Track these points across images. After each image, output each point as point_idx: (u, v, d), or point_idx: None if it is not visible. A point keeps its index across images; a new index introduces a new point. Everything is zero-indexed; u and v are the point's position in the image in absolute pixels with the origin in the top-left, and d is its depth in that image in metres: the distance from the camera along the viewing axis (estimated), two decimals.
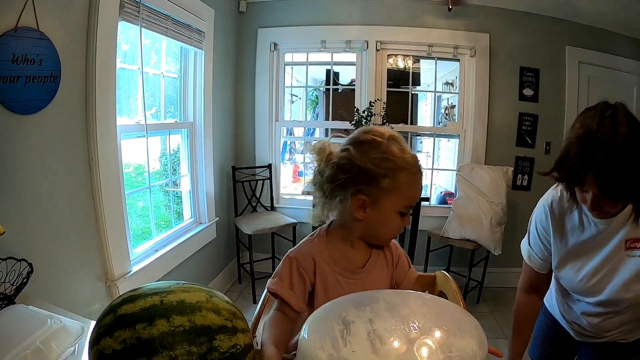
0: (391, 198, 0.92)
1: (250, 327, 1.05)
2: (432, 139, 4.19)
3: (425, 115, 4.61)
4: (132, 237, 2.21)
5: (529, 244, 1.32)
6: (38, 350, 0.70)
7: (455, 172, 3.44)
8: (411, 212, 0.99)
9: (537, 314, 1.42)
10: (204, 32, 2.71)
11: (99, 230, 1.88)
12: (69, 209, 1.75)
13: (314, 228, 1.09)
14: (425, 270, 3.36)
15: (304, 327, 0.69)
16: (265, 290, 1.13)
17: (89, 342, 0.66)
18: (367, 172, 0.90)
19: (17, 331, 0.73)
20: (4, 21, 1.40)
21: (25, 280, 1.15)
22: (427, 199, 3.19)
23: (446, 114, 3.91)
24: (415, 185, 0.93)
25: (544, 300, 1.51)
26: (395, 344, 0.63)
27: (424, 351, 0.61)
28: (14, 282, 1.17)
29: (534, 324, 1.42)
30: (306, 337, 0.66)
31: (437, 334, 0.66)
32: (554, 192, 1.22)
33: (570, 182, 1.03)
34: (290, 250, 1.01)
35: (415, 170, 0.92)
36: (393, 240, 1.07)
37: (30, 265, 1.20)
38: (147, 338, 0.61)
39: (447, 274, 1.25)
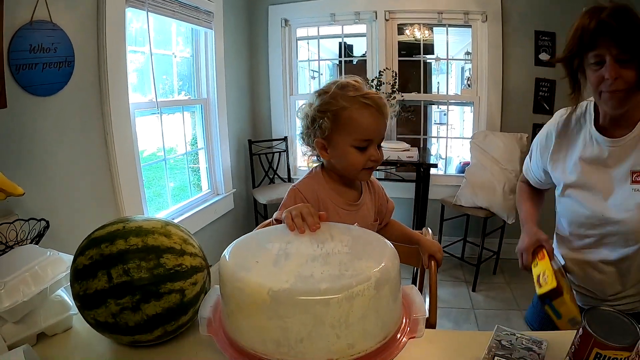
0: (341, 134, 1.03)
1: None
2: (454, 109, 4.19)
3: (450, 86, 4.59)
4: (150, 209, 2.44)
5: (529, 160, 1.34)
6: (36, 273, 0.89)
7: (469, 140, 3.46)
8: (379, 145, 1.08)
9: (542, 198, 1.39)
10: (212, 13, 2.86)
11: (116, 198, 2.12)
12: (87, 179, 1.98)
13: None
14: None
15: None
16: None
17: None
18: (314, 118, 1.05)
19: (21, 260, 0.92)
20: (20, 16, 1.60)
21: (42, 233, 1.38)
22: (435, 165, 3.25)
23: (469, 84, 3.90)
24: (362, 120, 1.01)
25: None
26: (297, 259, 0.70)
27: (319, 267, 0.67)
28: (34, 238, 1.40)
29: (541, 201, 1.38)
30: (227, 254, 0.74)
31: (341, 255, 0.71)
32: (561, 111, 1.21)
33: (583, 50, 1.01)
34: (294, 183, 1.13)
35: (360, 106, 1.01)
36: (373, 177, 1.21)
37: (47, 222, 1.43)
38: (108, 254, 0.78)
39: (429, 229, 1.36)
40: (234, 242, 0.79)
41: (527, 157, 1.36)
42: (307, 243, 0.76)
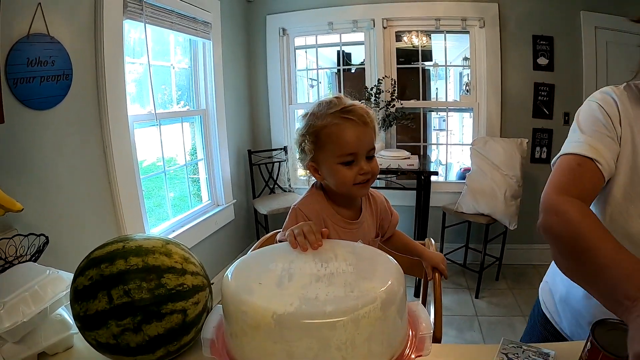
0: (325, 154, 1.00)
1: None
2: (453, 115, 4.19)
3: (449, 92, 4.60)
4: (150, 220, 2.42)
5: (581, 132, 0.88)
6: (35, 292, 0.88)
7: (469, 147, 3.45)
8: (370, 155, 1.03)
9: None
10: (210, 23, 2.86)
11: (116, 211, 2.10)
12: (87, 192, 1.96)
13: None
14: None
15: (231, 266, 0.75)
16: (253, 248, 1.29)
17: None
18: (300, 144, 1.04)
19: (20, 279, 0.91)
20: (17, 29, 1.59)
21: (41, 249, 1.36)
22: (436, 173, 3.24)
23: (467, 90, 3.91)
24: (341, 134, 0.97)
25: (540, 295, 1.15)
26: (301, 280, 0.68)
27: (324, 287, 0.65)
28: (33, 254, 1.38)
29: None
30: (230, 275, 0.71)
31: (346, 274, 0.69)
32: (612, 87, 0.90)
33: None
34: (295, 202, 1.09)
35: (338, 121, 0.98)
36: (373, 190, 1.17)
37: (46, 237, 1.41)
38: (108, 274, 0.77)
39: (432, 240, 1.34)
40: (236, 262, 0.76)
41: (571, 139, 0.89)
42: (310, 262, 0.75)
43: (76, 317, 0.79)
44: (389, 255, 0.79)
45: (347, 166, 1.00)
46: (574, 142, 0.86)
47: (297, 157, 1.09)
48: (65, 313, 0.95)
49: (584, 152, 0.83)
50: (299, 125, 1.07)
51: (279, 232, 1.06)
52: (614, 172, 0.85)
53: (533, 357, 0.78)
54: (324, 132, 0.99)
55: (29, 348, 0.85)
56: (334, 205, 1.09)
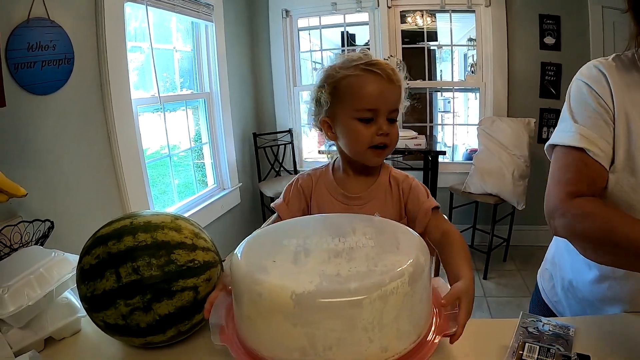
0: (343, 107, 0.90)
1: None
2: (458, 96, 4.14)
3: (454, 74, 4.55)
4: (156, 206, 2.41)
5: (573, 120, 0.84)
6: (41, 275, 0.85)
7: (476, 127, 3.41)
8: (394, 120, 0.92)
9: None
10: (212, 5, 2.82)
11: (121, 196, 2.09)
12: (91, 177, 1.95)
13: None
14: None
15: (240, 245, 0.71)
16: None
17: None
18: (316, 96, 0.94)
19: (25, 262, 0.89)
20: (17, 14, 1.56)
21: (46, 234, 1.35)
22: (444, 153, 3.20)
23: (472, 71, 3.86)
24: (363, 85, 0.88)
25: (539, 282, 1.12)
26: (319, 256, 0.63)
27: (345, 263, 0.60)
28: (38, 239, 1.37)
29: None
30: (239, 254, 0.67)
31: (367, 249, 0.65)
32: (599, 59, 0.86)
33: None
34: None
35: (361, 72, 0.88)
36: (403, 173, 1.02)
37: (51, 222, 1.40)
38: (116, 252, 0.74)
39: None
40: (246, 239, 0.71)
41: (562, 124, 0.86)
42: (327, 237, 0.69)
43: (83, 298, 0.77)
44: (409, 228, 0.74)
45: (364, 123, 0.89)
46: (567, 132, 0.83)
47: (311, 113, 0.99)
48: (72, 296, 0.93)
49: (578, 144, 0.80)
50: (316, 79, 0.96)
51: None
52: (612, 155, 0.81)
53: (554, 330, 0.76)
54: (344, 83, 0.89)
55: (35, 333, 0.82)
56: (340, 175, 1.00)
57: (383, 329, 0.56)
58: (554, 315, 1.02)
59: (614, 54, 0.86)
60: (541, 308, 1.07)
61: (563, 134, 0.84)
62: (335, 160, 1.03)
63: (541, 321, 0.79)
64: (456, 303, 0.67)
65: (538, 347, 0.71)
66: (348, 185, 0.99)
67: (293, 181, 1.03)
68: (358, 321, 0.55)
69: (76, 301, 0.90)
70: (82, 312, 0.86)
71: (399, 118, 0.93)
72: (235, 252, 0.68)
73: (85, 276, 0.75)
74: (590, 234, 0.74)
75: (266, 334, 0.60)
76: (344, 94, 0.90)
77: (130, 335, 0.76)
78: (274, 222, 0.96)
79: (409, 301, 0.59)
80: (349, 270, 0.59)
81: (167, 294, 0.74)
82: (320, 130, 0.99)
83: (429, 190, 0.99)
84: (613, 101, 0.80)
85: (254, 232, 0.76)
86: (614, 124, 0.80)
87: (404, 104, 0.98)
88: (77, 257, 0.82)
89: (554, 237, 1.03)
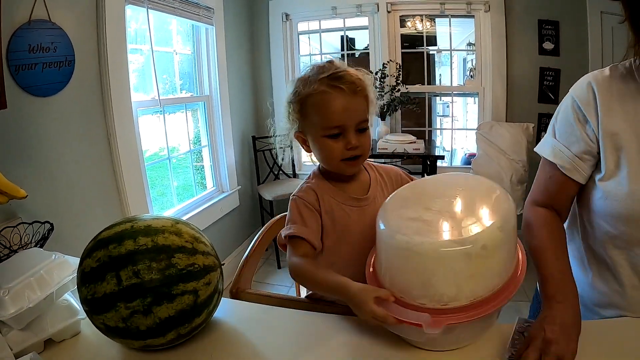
0: (310, 125, 0.92)
1: (238, 268, 1.19)
2: (457, 101, 4.16)
3: (453, 78, 4.58)
4: (155, 209, 2.41)
5: (554, 136, 0.92)
6: (41, 277, 0.86)
7: (475, 131, 3.42)
8: (363, 128, 0.93)
9: (563, 235, 0.91)
10: (212, 9, 2.83)
11: (120, 198, 2.09)
12: (91, 179, 1.95)
13: None
14: None
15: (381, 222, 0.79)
16: (259, 234, 1.26)
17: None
18: (288, 113, 0.96)
19: (25, 264, 0.89)
20: (18, 16, 1.56)
21: (46, 236, 1.35)
22: (442, 157, 3.21)
23: (471, 76, 3.87)
24: (326, 103, 0.88)
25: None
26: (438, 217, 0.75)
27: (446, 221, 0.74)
28: (38, 241, 1.37)
29: (563, 243, 0.89)
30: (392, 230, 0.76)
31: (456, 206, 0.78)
32: (595, 72, 0.88)
33: None
34: (292, 194, 1.00)
35: (325, 88, 0.88)
36: (382, 165, 1.08)
37: (51, 224, 1.40)
38: (117, 255, 0.75)
39: None
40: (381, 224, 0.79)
41: (545, 139, 0.95)
42: (440, 199, 0.80)
43: (83, 300, 0.77)
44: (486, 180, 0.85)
45: (333, 139, 0.90)
46: (546, 145, 0.94)
47: (286, 126, 0.99)
48: (72, 298, 0.93)
49: (551, 158, 0.91)
50: (288, 89, 0.97)
51: (283, 225, 0.99)
52: (583, 162, 0.88)
53: None
54: (310, 101, 0.90)
55: (35, 335, 0.83)
56: (336, 183, 1.00)
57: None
58: None
59: (611, 64, 0.88)
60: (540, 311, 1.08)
61: (543, 145, 0.95)
62: (318, 171, 1.03)
63: None
64: None
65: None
66: (349, 189, 1.00)
67: (293, 204, 0.98)
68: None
69: (76, 303, 0.91)
70: (82, 314, 0.87)
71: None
72: (391, 235, 0.76)
73: (86, 279, 0.76)
74: (527, 243, 0.90)
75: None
76: (310, 113, 0.91)
77: (130, 338, 0.76)
78: (299, 258, 0.90)
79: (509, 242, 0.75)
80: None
81: (167, 298, 0.74)
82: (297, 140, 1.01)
83: (411, 177, 1.08)
84: (598, 120, 0.83)
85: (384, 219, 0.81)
86: (598, 140, 0.84)
87: (376, 105, 0.99)
88: (77, 260, 0.82)
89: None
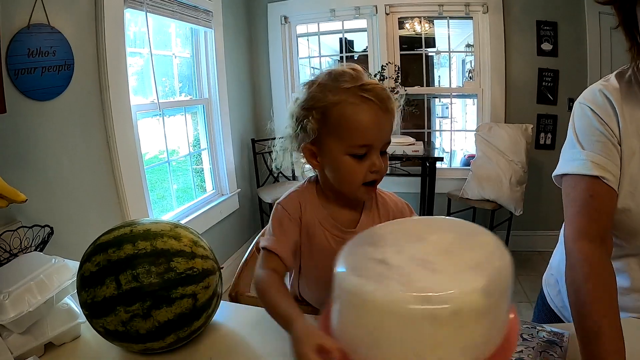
0: (333, 139, 0.79)
1: (237, 271, 1.20)
2: (456, 102, 4.16)
3: (452, 79, 4.59)
4: (155, 212, 2.42)
5: (581, 146, 0.82)
6: (41, 281, 0.86)
7: (474, 133, 3.43)
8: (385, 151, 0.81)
9: (615, 286, 0.75)
10: (211, 12, 2.84)
11: (120, 202, 2.09)
12: (91, 183, 1.95)
13: None
14: None
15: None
16: (258, 237, 1.25)
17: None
18: (298, 119, 0.82)
19: (25, 268, 0.90)
20: (18, 20, 1.57)
21: (46, 240, 1.36)
22: (441, 159, 3.22)
23: (470, 77, 3.89)
24: (358, 118, 0.77)
25: (545, 288, 1.10)
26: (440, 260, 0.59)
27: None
28: (38, 245, 1.38)
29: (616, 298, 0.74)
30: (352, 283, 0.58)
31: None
32: (601, 82, 0.85)
33: None
34: (277, 200, 0.91)
35: (355, 100, 0.78)
36: (385, 192, 0.95)
37: (51, 228, 1.41)
38: (116, 259, 0.76)
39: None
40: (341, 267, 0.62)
41: (568, 152, 0.85)
42: (409, 245, 0.64)
43: (83, 304, 0.78)
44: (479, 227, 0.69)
45: (356, 159, 0.79)
46: (577, 160, 0.81)
47: (290, 132, 0.86)
48: (72, 302, 0.93)
49: (590, 172, 0.79)
50: (299, 95, 0.84)
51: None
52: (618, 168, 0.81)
53: (547, 337, 0.77)
54: (336, 112, 0.78)
55: (36, 339, 0.83)
56: (327, 204, 0.89)
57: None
58: (560, 321, 1.01)
59: (615, 72, 0.85)
60: (547, 314, 1.06)
61: (572, 162, 0.82)
62: (315, 183, 0.92)
63: (535, 328, 0.80)
64: None
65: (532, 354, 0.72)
66: (340, 216, 0.90)
67: (275, 213, 0.89)
68: None
69: (76, 307, 0.91)
70: (82, 318, 0.87)
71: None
72: (354, 288, 0.57)
73: (85, 283, 0.76)
74: (567, 286, 0.78)
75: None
76: (335, 126, 0.79)
77: (130, 342, 0.76)
78: (267, 270, 0.81)
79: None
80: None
81: (167, 301, 0.74)
82: (297, 153, 0.88)
83: (414, 212, 0.99)
84: (619, 127, 0.79)
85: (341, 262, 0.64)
86: (621, 147, 0.80)
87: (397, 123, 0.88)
88: (77, 264, 0.83)
89: (558, 243, 1.04)
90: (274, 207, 0.90)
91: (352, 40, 4.06)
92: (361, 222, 0.90)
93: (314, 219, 0.88)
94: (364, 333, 0.56)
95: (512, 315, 0.62)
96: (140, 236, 0.78)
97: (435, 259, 0.59)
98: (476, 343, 0.55)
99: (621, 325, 0.68)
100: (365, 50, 3.65)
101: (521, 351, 0.72)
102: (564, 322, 0.99)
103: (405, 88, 3.37)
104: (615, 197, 0.80)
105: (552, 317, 1.04)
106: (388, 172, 3.18)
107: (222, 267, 0.88)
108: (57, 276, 0.90)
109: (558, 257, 1.06)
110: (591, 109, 0.82)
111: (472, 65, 3.77)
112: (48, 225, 1.42)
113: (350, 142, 0.78)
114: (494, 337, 0.57)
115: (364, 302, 0.55)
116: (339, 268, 0.62)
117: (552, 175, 0.88)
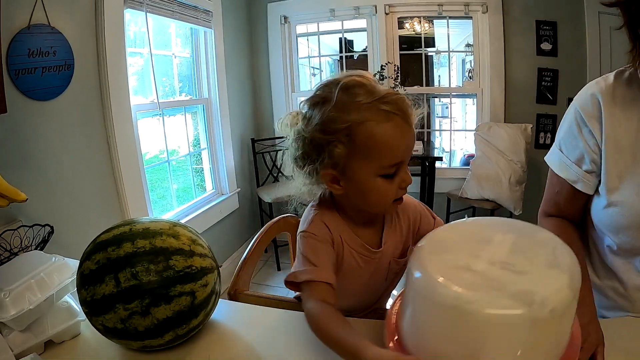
0: (359, 162, 0.74)
1: (236, 270, 1.20)
2: (456, 102, 4.17)
3: (452, 79, 4.59)
4: (155, 212, 2.42)
5: (560, 149, 0.92)
6: (41, 280, 0.87)
7: (473, 132, 3.43)
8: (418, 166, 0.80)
9: (578, 241, 0.92)
10: (211, 12, 2.84)
11: (120, 201, 2.10)
12: (91, 182, 1.96)
13: None
14: None
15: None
16: (257, 236, 1.25)
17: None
18: (317, 143, 0.76)
19: (26, 267, 0.90)
20: (18, 21, 1.58)
21: (46, 239, 1.37)
22: (440, 159, 3.23)
23: (470, 77, 3.89)
24: (386, 137, 0.72)
25: None
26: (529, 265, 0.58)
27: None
28: (38, 244, 1.38)
29: (580, 251, 0.90)
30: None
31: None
32: (599, 80, 0.87)
33: None
34: (301, 230, 0.84)
35: (380, 118, 0.72)
36: (409, 199, 0.91)
37: (51, 227, 1.41)
38: (115, 258, 0.76)
39: (441, 221, 1.23)
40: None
41: (552, 149, 0.95)
42: (506, 252, 0.61)
43: (83, 302, 0.78)
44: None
45: (387, 179, 0.75)
46: (554, 157, 0.94)
47: (297, 156, 0.80)
48: (72, 300, 0.94)
49: (557, 171, 0.92)
50: (307, 113, 0.78)
51: (281, 227, 0.95)
52: (589, 173, 0.87)
53: None
54: (362, 132, 0.72)
55: (36, 336, 0.84)
56: (350, 223, 0.85)
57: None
58: None
59: (615, 71, 0.87)
60: None
61: (551, 156, 0.95)
62: (331, 201, 0.87)
63: None
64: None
65: None
66: (363, 235, 0.86)
67: (308, 240, 0.82)
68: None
69: (76, 305, 0.92)
70: (82, 316, 0.88)
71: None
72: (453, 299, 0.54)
73: (85, 281, 0.77)
74: None
75: None
76: (362, 148, 0.73)
77: (129, 339, 0.77)
78: (318, 302, 0.74)
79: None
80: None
81: (165, 299, 0.75)
82: (314, 178, 0.81)
83: (430, 209, 0.96)
84: (602, 131, 0.83)
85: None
86: (601, 152, 0.84)
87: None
88: (77, 262, 0.83)
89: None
90: (299, 237, 0.84)
91: (352, 40, 4.06)
92: (385, 240, 0.87)
93: (340, 240, 0.84)
94: (458, 345, 0.55)
95: None
96: (140, 235, 0.79)
97: (512, 260, 0.58)
98: (560, 340, 0.56)
99: (589, 282, 0.84)
100: (364, 50, 3.66)
101: None
102: None
103: (405, 88, 3.37)
104: (578, 197, 0.90)
105: None
106: None
107: (221, 266, 0.88)
108: (58, 274, 0.91)
109: None
110: (577, 111, 0.87)
111: (472, 65, 3.77)
112: (48, 225, 1.43)
113: (380, 164, 0.74)
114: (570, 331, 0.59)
115: (464, 313, 0.53)
116: (421, 278, 0.60)
117: (545, 157, 0.98)
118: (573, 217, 0.95)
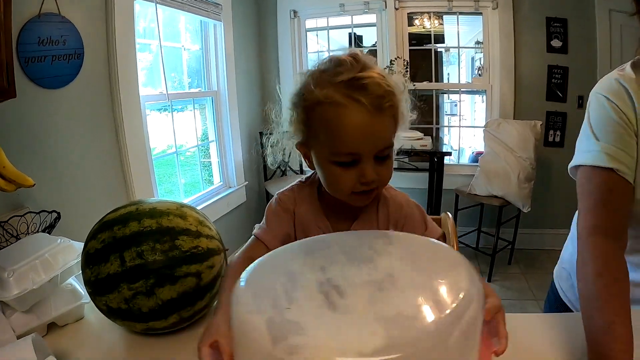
0: (316, 143, 0.70)
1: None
2: (465, 99, 4.14)
3: (461, 76, 4.56)
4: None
5: (595, 138, 0.79)
6: (46, 260, 0.86)
7: (482, 129, 3.40)
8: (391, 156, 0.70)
9: (628, 284, 0.72)
10: (221, 5, 2.84)
11: (127, 190, 2.11)
12: (99, 171, 1.97)
13: None
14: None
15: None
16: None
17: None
18: (290, 116, 0.73)
19: (31, 248, 0.90)
20: (28, 9, 1.59)
21: (53, 224, 1.37)
22: (449, 154, 3.21)
23: (479, 74, 3.86)
24: (340, 123, 0.65)
25: (556, 282, 1.08)
26: (358, 292, 0.45)
27: (401, 299, 0.44)
28: (45, 230, 1.39)
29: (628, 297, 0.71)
30: (238, 300, 0.46)
31: (414, 275, 0.50)
32: (615, 71, 0.82)
33: None
34: (280, 190, 0.86)
35: (341, 99, 0.64)
36: (398, 196, 0.84)
37: (58, 213, 1.42)
38: (121, 237, 0.76)
39: (449, 214, 1.18)
40: (242, 280, 0.50)
41: (583, 143, 0.83)
42: (348, 266, 0.51)
43: (87, 282, 0.78)
44: (434, 240, 0.60)
45: (343, 167, 0.68)
46: (592, 152, 0.79)
47: (284, 128, 0.78)
48: (76, 283, 0.94)
49: (605, 164, 0.76)
50: (296, 83, 0.74)
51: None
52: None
53: None
54: (318, 112, 0.67)
55: (39, 318, 0.84)
56: (325, 203, 0.81)
57: None
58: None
59: (629, 62, 0.83)
60: (559, 307, 1.03)
61: (587, 154, 0.80)
62: (316, 178, 0.83)
63: None
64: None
65: None
66: (339, 215, 0.81)
67: (271, 206, 0.83)
68: None
69: (80, 288, 0.92)
70: (86, 299, 0.87)
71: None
72: (234, 300, 0.47)
73: (90, 260, 0.77)
74: (578, 281, 0.76)
75: None
76: (316, 128, 0.68)
77: (133, 320, 0.77)
78: (249, 250, 0.77)
79: (480, 322, 0.46)
80: (416, 306, 0.43)
81: (170, 279, 0.74)
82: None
83: (427, 216, 0.85)
84: (636, 116, 0.77)
85: (246, 273, 0.52)
86: (637, 137, 0.77)
87: (408, 117, 0.77)
88: (82, 245, 0.83)
89: (570, 236, 1.02)
90: (274, 196, 0.86)
91: (361, 35, 4.04)
92: (356, 224, 0.80)
93: (310, 217, 0.81)
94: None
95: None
96: (146, 214, 0.78)
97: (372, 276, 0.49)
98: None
99: (631, 326, 0.65)
100: (374, 46, 3.64)
101: None
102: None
103: (414, 83, 3.35)
104: (632, 190, 0.77)
105: (563, 310, 1.01)
106: (396, 166, 3.15)
107: (227, 249, 0.88)
108: (63, 256, 0.91)
109: (570, 250, 1.03)
110: (607, 98, 0.79)
111: (482, 63, 3.74)
112: (55, 211, 1.43)
113: (331, 150, 0.67)
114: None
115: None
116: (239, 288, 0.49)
117: (568, 167, 0.85)
118: (625, 225, 0.77)
